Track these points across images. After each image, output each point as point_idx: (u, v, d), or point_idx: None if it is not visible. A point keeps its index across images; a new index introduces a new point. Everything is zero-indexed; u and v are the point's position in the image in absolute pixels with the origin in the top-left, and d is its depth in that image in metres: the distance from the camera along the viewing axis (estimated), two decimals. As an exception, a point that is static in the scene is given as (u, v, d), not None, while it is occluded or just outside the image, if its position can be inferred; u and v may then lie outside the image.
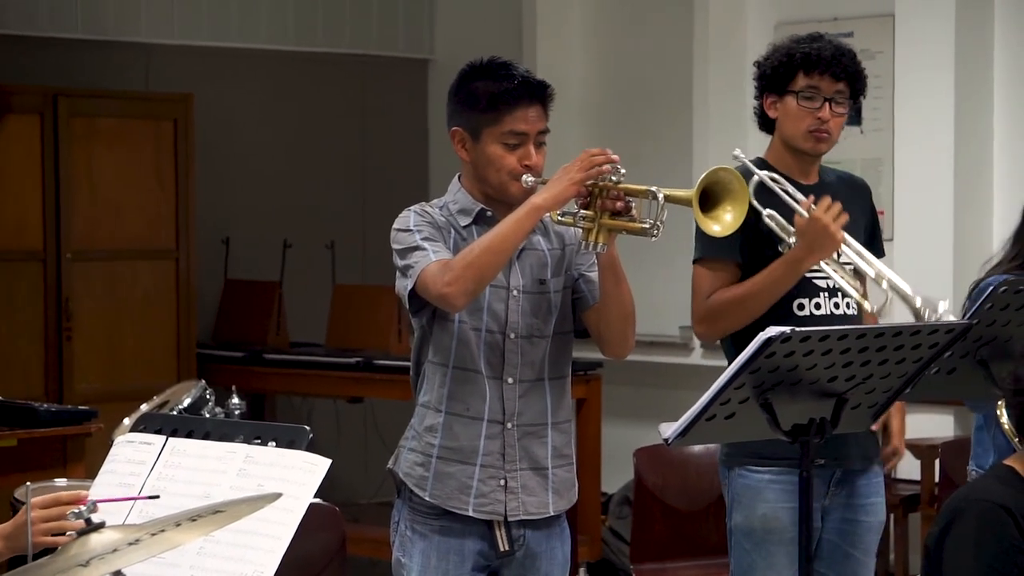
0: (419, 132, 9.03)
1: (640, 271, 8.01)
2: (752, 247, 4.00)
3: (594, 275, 3.57)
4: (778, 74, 4.04)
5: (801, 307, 4.00)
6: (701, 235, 4.05)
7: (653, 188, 3.34)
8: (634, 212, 3.39)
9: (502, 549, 3.56)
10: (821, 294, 4.03)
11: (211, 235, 8.26)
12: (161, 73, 8.30)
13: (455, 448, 3.54)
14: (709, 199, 3.35)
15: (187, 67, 8.34)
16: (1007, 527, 2.81)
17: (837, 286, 4.04)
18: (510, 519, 3.55)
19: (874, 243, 4.21)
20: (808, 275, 4.01)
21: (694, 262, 4.08)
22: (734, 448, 4.01)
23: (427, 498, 3.55)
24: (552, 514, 3.60)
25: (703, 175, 3.34)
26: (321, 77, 8.84)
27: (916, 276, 6.75)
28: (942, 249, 6.88)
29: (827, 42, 4.04)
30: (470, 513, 3.53)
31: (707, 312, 3.98)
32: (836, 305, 4.04)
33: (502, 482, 3.54)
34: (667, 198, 3.32)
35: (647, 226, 3.35)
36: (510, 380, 3.55)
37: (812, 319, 3.96)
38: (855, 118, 7.24)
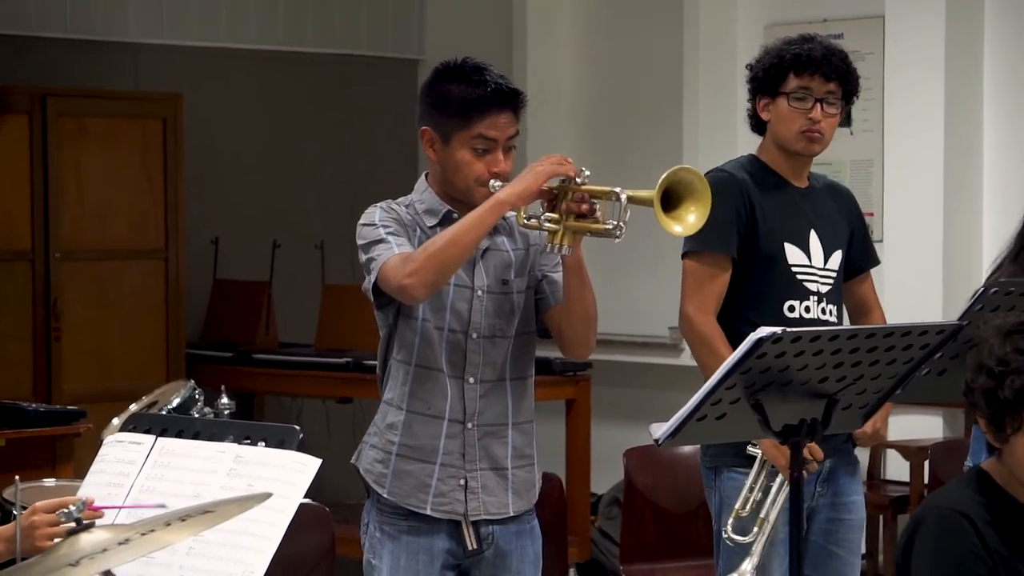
0: (408, 132, 8.97)
1: (629, 273, 8.05)
2: (746, 244, 4.00)
3: (557, 276, 3.57)
4: (769, 76, 4.04)
5: (792, 309, 4.01)
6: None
7: (616, 189, 3.33)
8: (598, 214, 3.38)
9: (470, 548, 3.56)
10: (811, 297, 4.03)
11: (200, 235, 8.25)
12: (150, 73, 8.28)
13: (415, 446, 3.54)
14: (671, 199, 3.32)
15: (176, 67, 8.32)
16: (966, 535, 2.79)
17: (828, 292, 4.05)
18: (471, 519, 3.55)
19: (866, 250, 4.21)
20: (800, 277, 4.01)
21: (684, 255, 4.07)
22: (720, 450, 4.00)
23: (385, 495, 3.55)
24: (512, 514, 3.59)
25: (664, 175, 3.31)
26: (310, 77, 8.83)
27: (905, 277, 6.83)
28: (931, 250, 6.89)
29: (818, 43, 4.04)
30: (428, 512, 3.53)
31: (694, 333, 3.99)
32: (823, 311, 4.04)
33: (462, 482, 3.54)
34: (629, 199, 3.31)
35: (611, 227, 3.34)
36: (471, 380, 3.54)
37: (802, 322, 3.97)
38: (845, 119, 7.24)
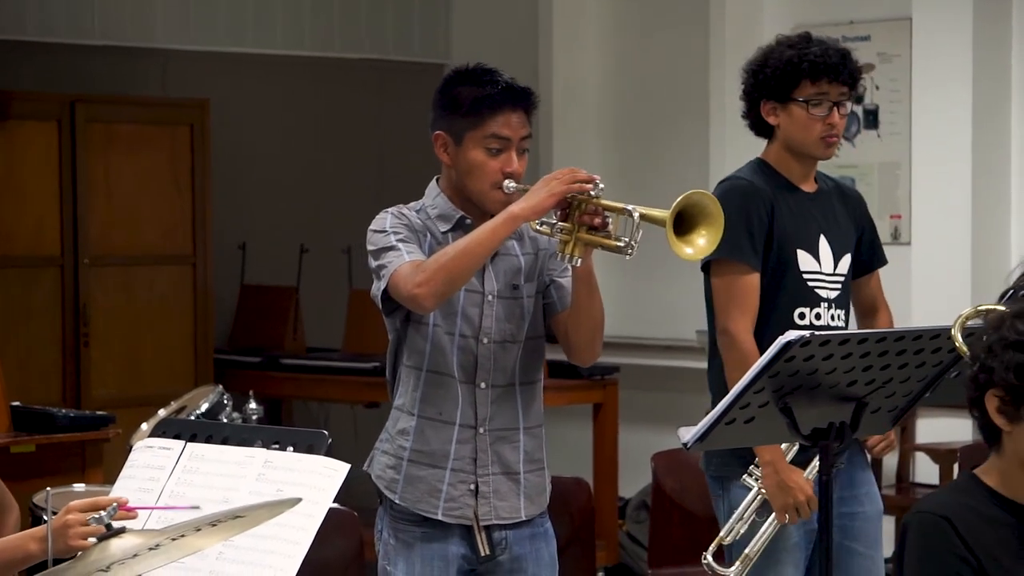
0: (435, 137, 9.02)
1: (656, 277, 8.04)
2: (763, 251, 3.99)
3: (564, 281, 3.59)
4: (782, 81, 4.00)
5: (802, 316, 3.99)
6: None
7: (629, 207, 3.34)
8: (611, 228, 3.39)
9: (483, 553, 3.56)
10: (821, 304, 4.02)
11: (228, 240, 8.27)
12: (178, 79, 8.31)
13: (426, 452, 3.55)
14: (684, 222, 3.33)
15: (204, 72, 8.35)
16: (947, 536, 2.79)
17: (836, 298, 4.03)
18: (481, 523, 3.55)
19: (874, 250, 4.18)
20: (811, 284, 4.00)
21: (711, 266, 4.02)
22: (725, 460, 3.98)
23: (397, 500, 3.56)
24: (524, 518, 3.60)
25: (679, 198, 3.31)
26: (337, 82, 8.85)
27: (933, 279, 6.80)
28: (960, 252, 6.86)
29: (827, 46, 4.00)
30: (439, 517, 3.54)
31: (737, 351, 3.90)
32: (833, 317, 4.02)
33: (472, 486, 3.54)
34: (643, 217, 3.32)
35: (622, 244, 3.35)
36: (483, 385, 3.55)
37: (812, 329, 3.92)
38: (872, 122, 7.23)
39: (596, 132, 8.39)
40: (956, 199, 6.87)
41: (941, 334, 3.13)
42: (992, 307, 3.09)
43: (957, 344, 3.00)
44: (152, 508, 2.71)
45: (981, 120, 6.87)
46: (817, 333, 3.01)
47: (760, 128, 4.09)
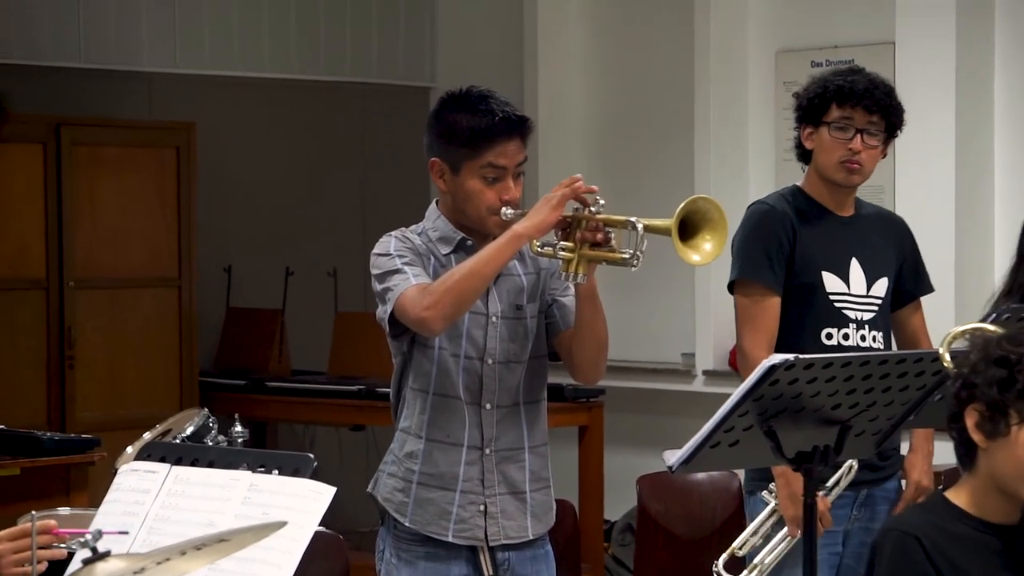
0: (420, 160, 8.95)
1: (642, 299, 8.05)
2: (787, 273, 4.03)
3: (567, 300, 3.60)
4: (813, 105, 4.10)
5: (829, 336, 4.04)
6: (741, 256, 4.07)
7: (632, 219, 3.35)
8: (613, 243, 3.40)
9: (487, 574, 3.58)
10: (851, 325, 4.06)
11: (213, 263, 8.27)
12: (163, 101, 8.31)
13: (435, 474, 3.56)
14: (688, 229, 3.34)
15: (189, 95, 8.35)
16: (915, 554, 2.83)
17: (871, 320, 4.07)
18: (491, 544, 3.56)
19: (917, 277, 4.24)
20: (838, 305, 4.04)
21: (733, 290, 4.09)
22: (756, 475, 4.05)
23: (407, 523, 3.57)
24: (531, 537, 3.62)
25: (682, 205, 3.33)
26: (323, 105, 8.85)
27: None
28: (943, 275, 6.87)
29: (863, 75, 4.11)
30: (450, 539, 3.55)
31: (744, 369, 3.94)
32: (863, 337, 4.06)
33: (482, 507, 3.56)
34: (646, 228, 3.33)
35: (627, 256, 3.36)
36: (488, 406, 3.57)
37: (840, 349, 4.00)
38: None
39: (582, 152, 8.41)
40: (940, 221, 6.89)
41: (924, 358, 3.15)
42: (980, 325, 3.12)
43: (945, 363, 3.02)
44: (80, 533, 2.69)
45: (964, 143, 6.89)
46: (801, 357, 3.02)
47: (803, 154, 4.17)
